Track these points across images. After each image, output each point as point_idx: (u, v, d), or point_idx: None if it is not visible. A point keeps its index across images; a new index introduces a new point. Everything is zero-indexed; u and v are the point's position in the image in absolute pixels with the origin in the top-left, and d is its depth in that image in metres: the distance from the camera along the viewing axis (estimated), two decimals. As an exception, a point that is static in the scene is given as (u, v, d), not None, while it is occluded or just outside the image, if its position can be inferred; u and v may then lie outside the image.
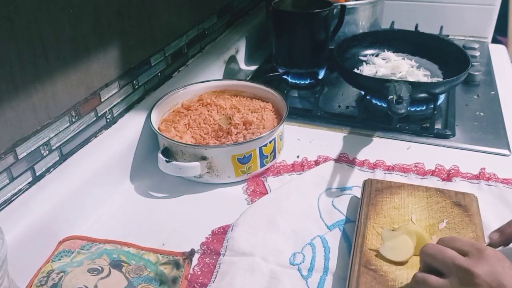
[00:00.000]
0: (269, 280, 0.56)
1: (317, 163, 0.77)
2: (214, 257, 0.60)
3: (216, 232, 0.64)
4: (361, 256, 0.55)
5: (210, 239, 0.62)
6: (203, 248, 0.61)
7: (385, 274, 0.53)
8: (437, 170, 0.73)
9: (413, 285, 0.50)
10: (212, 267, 0.58)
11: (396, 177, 0.73)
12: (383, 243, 0.56)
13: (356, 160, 0.77)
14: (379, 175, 0.73)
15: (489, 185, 0.70)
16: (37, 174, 0.63)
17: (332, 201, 0.69)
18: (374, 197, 0.64)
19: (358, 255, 0.55)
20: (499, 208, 0.66)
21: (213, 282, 0.56)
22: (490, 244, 0.53)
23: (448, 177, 0.72)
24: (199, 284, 0.56)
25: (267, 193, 0.71)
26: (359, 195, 0.69)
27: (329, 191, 0.71)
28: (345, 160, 0.77)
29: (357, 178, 0.73)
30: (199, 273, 0.58)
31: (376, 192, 0.64)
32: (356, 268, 0.53)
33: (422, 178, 0.72)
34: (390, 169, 0.75)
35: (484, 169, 0.72)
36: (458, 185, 0.70)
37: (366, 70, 0.96)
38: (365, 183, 0.67)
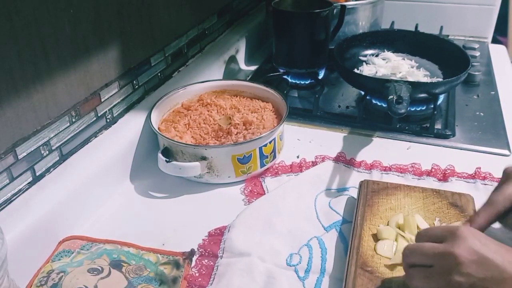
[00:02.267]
0: (267, 280, 0.56)
1: (314, 164, 0.77)
2: (212, 258, 0.60)
3: (213, 233, 0.64)
4: (357, 258, 0.55)
5: (207, 240, 0.62)
6: (200, 250, 0.61)
7: (382, 275, 0.52)
8: (433, 170, 0.74)
9: (405, 280, 0.49)
10: (209, 269, 0.58)
11: (393, 178, 0.73)
12: (378, 241, 0.57)
13: (353, 161, 0.77)
14: (376, 175, 0.73)
15: (485, 184, 0.70)
16: (37, 174, 0.63)
17: (329, 202, 0.69)
18: (370, 198, 0.64)
19: (355, 257, 0.55)
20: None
21: (211, 285, 0.56)
22: None
23: (444, 177, 0.72)
24: (197, 286, 0.56)
25: (265, 193, 0.71)
26: (356, 196, 0.69)
27: (326, 192, 0.71)
28: (343, 160, 0.77)
29: (354, 179, 0.73)
30: (197, 275, 0.57)
31: (373, 193, 0.64)
32: (352, 270, 0.53)
33: (418, 179, 0.73)
34: (387, 169, 0.75)
35: (480, 168, 0.72)
36: (454, 185, 0.70)
37: (366, 70, 0.96)
38: (362, 184, 0.67)
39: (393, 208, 0.62)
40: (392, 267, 0.53)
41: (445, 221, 0.60)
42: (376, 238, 0.58)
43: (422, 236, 0.49)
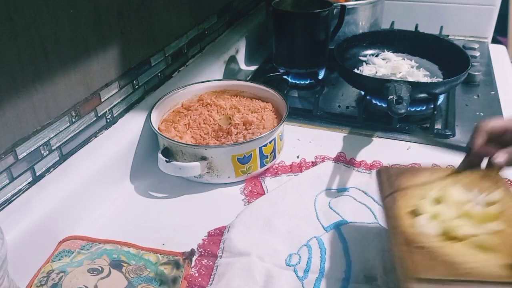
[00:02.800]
0: (266, 279, 0.56)
1: (314, 164, 0.77)
2: (211, 258, 0.60)
3: (212, 233, 0.64)
4: (400, 237, 0.49)
5: (206, 241, 0.62)
6: (199, 250, 0.61)
7: (437, 248, 0.47)
8: None
9: None
10: (209, 269, 0.58)
11: None
12: (420, 218, 0.51)
13: (353, 161, 0.77)
14: (375, 175, 0.73)
15: None
16: (37, 174, 0.63)
17: (329, 202, 0.69)
18: (395, 179, 0.58)
19: (397, 236, 0.49)
20: None
21: (210, 285, 0.56)
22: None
23: None
24: (197, 286, 0.56)
25: (264, 193, 0.71)
26: (356, 197, 0.69)
27: (326, 192, 0.71)
28: (343, 160, 0.77)
29: (354, 179, 0.73)
30: (196, 275, 0.57)
31: (397, 176, 0.59)
32: (402, 249, 0.47)
33: None
34: (386, 169, 0.74)
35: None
36: None
37: (366, 70, 0.96)
38: (380, 170, 0.62)
39: (423, 185, 0.57)
40: (440, 239, 0.48)
41: (484, 191, 0.54)
42: (412, 216, 0.52)
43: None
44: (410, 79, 0.91)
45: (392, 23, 1.24)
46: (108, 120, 0.76)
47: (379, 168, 0.64)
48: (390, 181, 0.59)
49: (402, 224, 0.51)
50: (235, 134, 0.74)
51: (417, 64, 0.97)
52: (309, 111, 0.91)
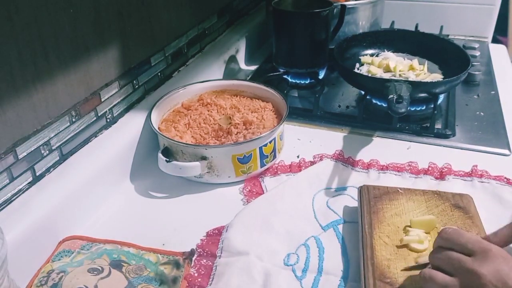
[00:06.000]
0: (265, 278, 0.56)
1: (313, 163, 0.76)
2: (210, 258, 0.60)
3: (211, 233, 0.64)
4: (373, 270, 0.53)
5: (205, 241, 0.62)
6: (198, 250, 0.61)
7: (402, 286, 0.51)
8: (430, 168, 0.74)
9: (420, 282, 0.49)
10: (208, 269, 0.58)
11: (390, 176, 0.73)
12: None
13: (352, 160, 0.77)
14: (373, 174, 0.73)
15: (482, 182, 0.70)
16: (37, 174, 0.63)
17: (327, 201, 0.69)
18: (374, 204, 0.62)
19: (371, 268, 0.53)
20: (492, 205, 0.66)
21: (210, 285, 0.56)
22: None
23: (441, 175, 0.72)
24: (197, 286, 0.56)
25: (263, 193, 0.71)
26: (354, 196, 0.69)
27: (324, 191, 0.71)
28: (341, 159, 0.77)
29: (352, 179, 0.73)
30: (196, 275, 0.57)
31: (375, 199, 0.63)
32: (371, 283, 0.52)
33: (416, 177, 0.72)
34: (384, 168, 0.75)
35: (477, 166, 0.73)
36: (451, 184, 0.70)
37: (366, 70, 0.96)
38: (361, 190, 0.66)
39: (398, 214, 0.61)
40: (410, 278, 0.52)
41: (451, 223, 0.59)
42: (388, 246, 0.56)
43: (451, 237, 0.48)
44: (410, 78, 0.91)
45: (392, 23, 1.24)
46: (108, 120, 0.76)
47: (360, 187, 0.66)
48: (370, 205, 0.63)
49: (377, 255, 0.55)
50: (235, 134, 0.74)
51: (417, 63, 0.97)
52: (309, 111, 0.91)
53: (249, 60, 1.18)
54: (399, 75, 0.91)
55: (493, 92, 0.98)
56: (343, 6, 1.00)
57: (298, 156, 0.79)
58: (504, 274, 0.43)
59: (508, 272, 0.43)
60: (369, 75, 0.92)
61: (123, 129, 0.76)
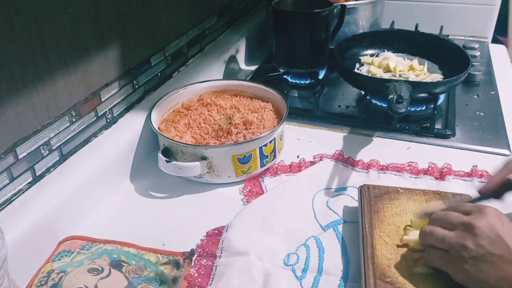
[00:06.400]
0: (265, 278, 0.56)
1: (313, 163, 0.76)
2: (210, 258, 0.59)
3: (211, 233, 0.63)
4: (374, 269, 0.53)
5: (205, 241, 0.62)
6: (198, 250, 0.61)
7: (402, 285, 0.51)
8: (430, 168, 0.74)
9: (419, 239, 0.53)
10: (208, 269, 0.58)
11: (390, 176, 0.73)
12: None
13: (351, 160, 0.77)
14: (373, 174, 0.73)
15: (482, 182, 0.70)
16: (37, 174, 0.63)
17: (327, 201, 0.69)
18: (374, 204, 0.62)
19: (371, 268, 0.53)
20: (492, 205, 0.65)
21: (210, 285, 0.56)
22: (480, 194, 0.58)
23: (441, 175, 0.72)
24: (197, 286, 0.56)
25: (263, 193, 0.71)
26: (354, 196, 0.69)
27: (324, 191, 0.71)
28: (341, 159, 0.77)
29: (352, 179, 0.73)
30: (196, 275, 0.57)
31: (376, 199, 0.63)
32: (371, 282, 0.52)
33: (416, 177, 0.73)
34: (384, 168, 0.75)
35: (477, 166, 0.73)
36: (451, 184, 0.70)
37: (366, 70, 0.96)
38: (362, 189, 0.66)
39: (399, 213, 0.61)
40: (411, 277, 0.52)
41: None
42: (388, 246, 0.56)
43: (452, 207, 0.54)
44: (410, 78, 0.91)
45: (392, 23, 1.24)
46: (108, 120, 0.76)
47: (361, 186, 0.66)
48: (370, 204, 0.63)
49: (377, 254, 0.55)
50: (235, 134, 0.74)
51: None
52: (309, 111, 0.91)
53: (249, 60, 1.18)
54: (399, 75, 0.92)
55: (493, 92, 0.98)
56: (343, 6, 1.00)
57: (298, 156, 0.79)
58: (498, 227, 0.48)
59: (501, 226, 0.48)
60: (369, 75, 0.92)
61: (123, 129, 0.76)
